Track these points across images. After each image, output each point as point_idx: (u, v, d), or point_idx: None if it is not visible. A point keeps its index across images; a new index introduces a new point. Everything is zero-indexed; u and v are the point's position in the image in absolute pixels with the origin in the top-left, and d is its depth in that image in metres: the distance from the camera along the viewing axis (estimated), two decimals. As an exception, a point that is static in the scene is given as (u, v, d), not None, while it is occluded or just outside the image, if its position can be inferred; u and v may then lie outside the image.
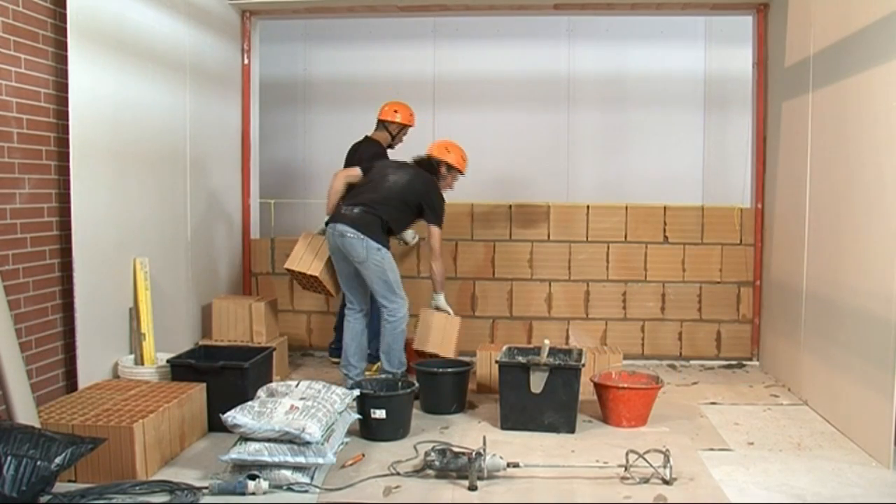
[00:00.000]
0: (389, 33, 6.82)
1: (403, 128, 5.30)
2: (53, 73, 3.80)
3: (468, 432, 3.92)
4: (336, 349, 5.43)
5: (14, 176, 3.55)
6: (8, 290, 3.33)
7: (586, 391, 4.15)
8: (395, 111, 5.27)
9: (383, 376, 4.40)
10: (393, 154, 5.32)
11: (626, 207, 5.62)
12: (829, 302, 4.15)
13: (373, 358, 5.22)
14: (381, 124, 5.30)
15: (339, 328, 5.43)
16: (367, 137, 5.34)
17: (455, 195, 6.36)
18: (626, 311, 5.62)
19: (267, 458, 3.14)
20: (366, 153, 5.21)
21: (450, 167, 4.69)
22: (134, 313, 4.18)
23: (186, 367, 3.94)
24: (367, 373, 5.22)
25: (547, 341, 4.06)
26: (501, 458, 3.28)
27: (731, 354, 5.58)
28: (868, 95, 3.70)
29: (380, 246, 4.42)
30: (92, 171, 3.88)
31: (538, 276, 5.67)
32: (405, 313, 4.52)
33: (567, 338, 5.63)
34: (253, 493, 3.09)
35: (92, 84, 3.88)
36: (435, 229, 4.62)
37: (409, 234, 5.48)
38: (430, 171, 4.68)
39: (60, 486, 2.99)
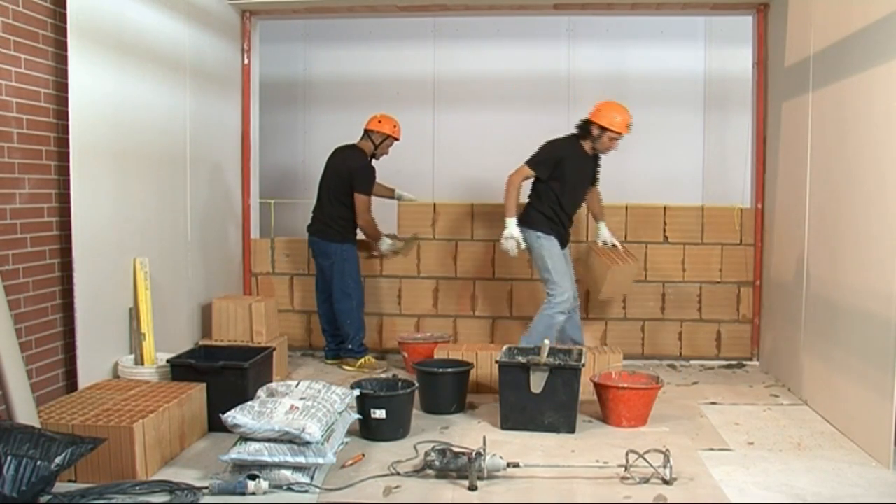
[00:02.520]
0: (389, 33, 6.81)
1: (386, 138, 5.23)
2: (53, 73, 3.80)
3: (468, 432, 3.92)
4: (330, 351, 5.45)
5: (14, 176, 3.55)
6: (8, 290, 3.33)
7: (586, 391, 4.14)
8: (379, 121, 5.25)
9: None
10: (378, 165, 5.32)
11: (626, 207, 5.62)
12: (829, 302, 4.15)
13: (353, 353, 5.26)
14: (366, 134, 5.27)
15: (326, 331, 5.45)
16: (351, 145, 5.30)
17: (455, 195, 6.43)
18: (626, 311, 5.62)
19: (267, 458, 3.14)
20: (352, 161, 5.18)
21: (602, 128, 4.58)
22: (134, 313, 4.18)
23: (186, 367, 3.94)
24: (347, 367, 5.26)
25: (547, 341, 4.05)
26: (501, 458, 3.27)
27: (731, 354, 5.58)
28: (868, 95, 3.70)
29: (539, 234, 4.69)
30: (92, 171, 3.88)
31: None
32: (563, 300, 4.64)
33: (567, 338, 5.63)
34: (253, 493, 3.09)
35: (92, 84, 3.88)
36: (519, 170, 4.76)
37: (386, 243, 5.41)
38: (584, 134, 4.65)
39: (60, 486, 2.99)
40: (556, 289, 4.67)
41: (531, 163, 4.72)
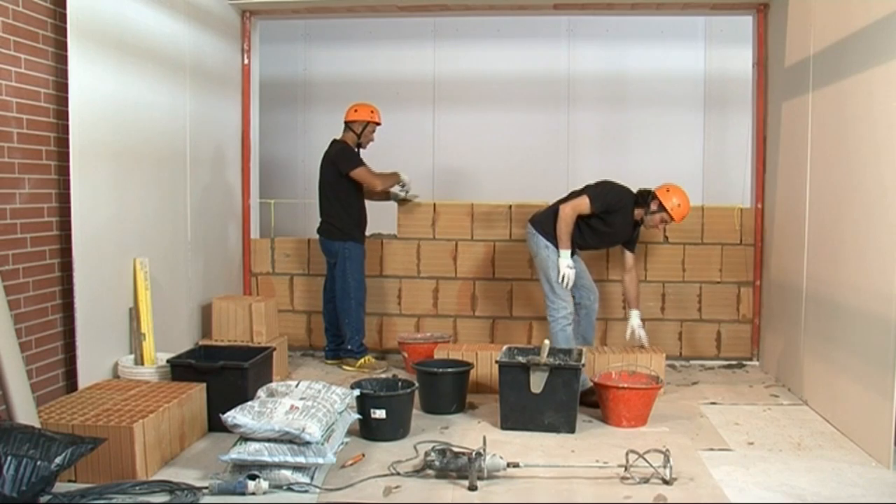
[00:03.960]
0: (389, 33, 6.82)
1: (366, 125, 5.24)
2: (53, 73, 3.81)
3: (468, 432, 3.92)
4: (330, 351, 5.45)
5: (14, 176, 3.55)
6: (8, 290, 3.33)
7: (586, 391, 4.15)
8: (355, 110, 5.27)
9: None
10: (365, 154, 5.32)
11: (626, 207, 5.61)
12: (829, 302, 4.15)
13: (353, 353, 5.25)
14: (347, 126, 5.29)
15: (328, 331, 5.45)
16: (333, 140, 5.33)
17: (455, 195, 6.43)
18: (626, 312, 5.61)
19: (267, 458, 3.14)
20: (332, 151, 5.24)
21: (661, 206, 4.62)
22: (134, 313, 4.18)
23: (186, 367, 3.94)
24: (347, 367, 5.26)
25: (547, 341, 4.05)
26: (501, 458, 3.27)
27: (731, 354, 5.58)
28: (868, 95, 3.70)
29: (549, 244, 4.64)
30: (92, 171, 3.88)
31: (538, 276, 5.65)
32: (565, 314, 4.62)
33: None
34: (253, 493, 3.09)
35: (92, 84, 3.88)
36: (577, 206, 4.61)
37: (397, 187, 5.40)
38: (642, 201, 4.67)
39: (60, 486, 2.99)
40: (555, 302, 4.64)
41: (591, 198, 4.61)
